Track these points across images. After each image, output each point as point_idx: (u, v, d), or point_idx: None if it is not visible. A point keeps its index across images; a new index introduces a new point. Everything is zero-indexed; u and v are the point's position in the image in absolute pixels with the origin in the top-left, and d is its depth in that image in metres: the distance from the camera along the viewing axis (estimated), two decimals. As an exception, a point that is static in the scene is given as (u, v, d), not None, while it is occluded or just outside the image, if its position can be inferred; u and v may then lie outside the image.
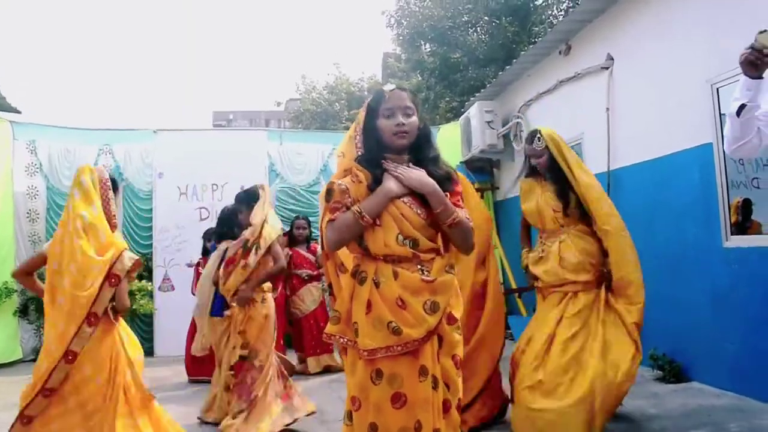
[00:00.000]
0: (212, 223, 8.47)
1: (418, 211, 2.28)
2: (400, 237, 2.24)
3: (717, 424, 4.02)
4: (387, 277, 2.22)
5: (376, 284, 2.23)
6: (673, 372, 5.16)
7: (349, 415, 2.28)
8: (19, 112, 7.98)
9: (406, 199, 2.27)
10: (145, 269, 8.41)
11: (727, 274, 4.73)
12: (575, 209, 4.01)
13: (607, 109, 6.14)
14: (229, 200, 8.48)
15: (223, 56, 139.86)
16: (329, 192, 2.30)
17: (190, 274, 8.29)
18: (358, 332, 2.22)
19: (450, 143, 9.35)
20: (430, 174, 2.30)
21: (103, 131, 9.08)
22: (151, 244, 8.42)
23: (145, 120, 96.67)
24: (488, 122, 8.37)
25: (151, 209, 8.53)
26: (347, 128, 2.79)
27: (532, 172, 4.28)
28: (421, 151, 2.38)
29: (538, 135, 4.18)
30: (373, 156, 2.33)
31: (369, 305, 2.22)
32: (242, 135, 10.73)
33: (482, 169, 9.24)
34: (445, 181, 2.34)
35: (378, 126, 2.32)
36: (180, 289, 8.26)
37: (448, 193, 2.31)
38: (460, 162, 9.12)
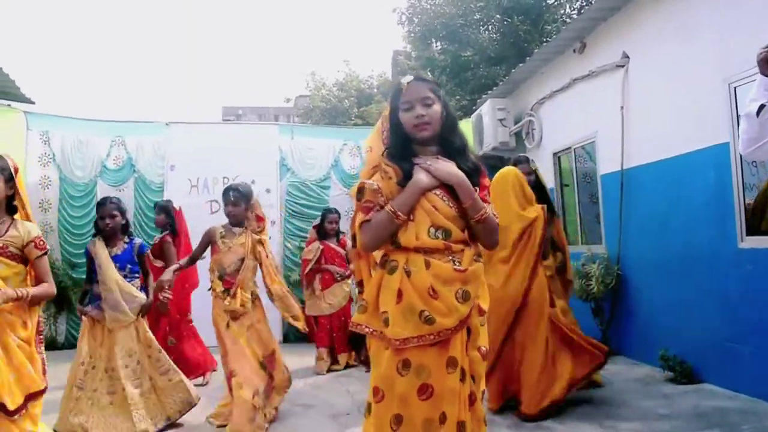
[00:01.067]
0: (223, 216, 8.48)
1: (450, 203, 2.26)
2: (432, 230, 2.22)
3: (729, 425, 4.00)
4: (419, 266, 2.20)
5: (407, 273, 2.20)
6: (684, 373, 5.13)
7: (369, 408, 2.25)
8: (33, 103, 8.01)
9: (437, 191, 2.26)
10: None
11: (740, 274, 4.69)
12: None
13: (622, 107, 6.10)
14: (241, 194, 8.55)
15: (233, 52, 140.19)
16: (360, 191, 2.28)
17: (199, 266, 8.31)
18: (389, 321, 2.19)
19: (461, 140, 9.33)
20: (458, 166, 2.28)
21: (116, 123, 9.10)
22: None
23: (155, 113, 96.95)
24: (500, 120, 8.35)
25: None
26: (357, 125, 2.81)
27: None
28: (448, 142, 2.35)
29: None
30: (400, 150, 2.32)
31: (400, 294, 2.19)
32: (254, 129, 10.73)
33: (494, 166, 9.15)
34: (473, 173, 2.32)
35: (400, 120, 2.31)
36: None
37: (476, 188, 2.29)
38: (471, 159, 9.10)
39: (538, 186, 4.98)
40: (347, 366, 6.56)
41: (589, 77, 6.71)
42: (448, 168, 2.26)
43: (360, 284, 2.43)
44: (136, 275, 4.46)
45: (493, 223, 2.30)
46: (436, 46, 14.79)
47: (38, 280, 3.06)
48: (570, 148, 7.28)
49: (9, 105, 7.79)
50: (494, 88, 9.01)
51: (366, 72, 24.35)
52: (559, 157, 7.72)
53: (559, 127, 7.57)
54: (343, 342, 6.53)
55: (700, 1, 5.08)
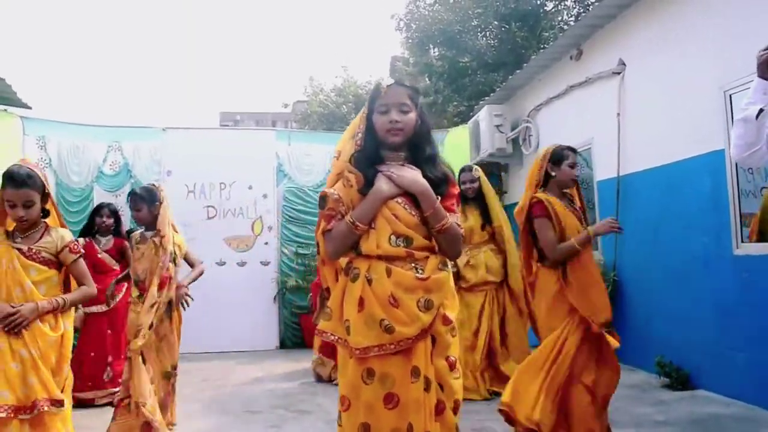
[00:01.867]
0: (220, 222, 8.55)
1: (412, 211, 2.24)
2: (393, 238, 2.20)
3: (725, 432, 4.01)
4: (380, 274, 2.18)
5: (369, 281, 2.18)
6: (680, 380, 5.14)
7: (340, 417, 2.24)
8: (29, 108, 7.99)
9: (399, 199, 2.23)
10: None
11: (736, 281, 4.71)
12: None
13: (618, 114, 6.12)
14: (237, 199, 8.60)
15: (231, 57, 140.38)
16: (323, 199, 2.27)
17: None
18: (350, 330, 2.17)
19: (458, 147, 9.36)
20: (425, 175, 2.26)
21: (113, 128, 9.08)
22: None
23: (153, 119, 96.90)
24: (497, 126, 8.36)
25: (158, 207, 8.52)
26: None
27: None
28: (418, 150, 2.33)
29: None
30: (369, 154, 2.29)
31: (361, 302, 2.18)
32: (251, 135, 10.74)
33: (490, 173, 9.20)
34: (441, 183, 2.30)
35: (374, 122, 2.28)
36: (186, 287, 8.26)
37: (440, 197, 2.27)
38: (468, 165, 9.11)
39: (479, 194, 5.50)
40: None
41: (585, 84, 6.74)
42: (411, 176, 2.24)
43: (327, 291, 2.40)
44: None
45: (456, 232, 2.27)
46: (434, 52, 14.82)
47: (78, 283, 3.09)
48: (566, 154, 7.27)
49: (5, 110, 7.78)
50: (491, 94, 9.03)
51: (364, 78, 24.36)
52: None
53: (555, 134, 7.56)
54: None
55: (696, 9, 5.11)
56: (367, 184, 2.23)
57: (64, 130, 8.66)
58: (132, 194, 4.37)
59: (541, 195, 3.53)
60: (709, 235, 4.97)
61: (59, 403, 2.79)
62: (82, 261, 3.09)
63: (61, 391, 2.87)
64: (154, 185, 4.45)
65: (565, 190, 3.67)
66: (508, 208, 9.12)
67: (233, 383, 6.30)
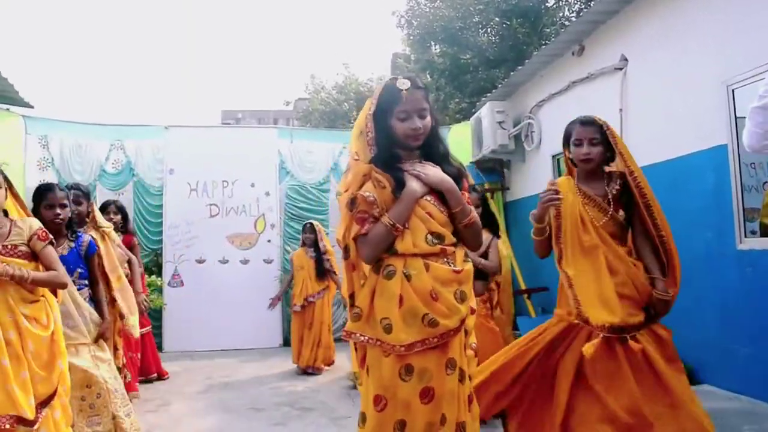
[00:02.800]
0: (222, 220, 8.56)
1: (442, 209, 2.28)
2: (429, 237, 2.24)
3: (729, 427, 3.99)
4: (418, 270, 2.20)
5: (407, 277, 2.20)
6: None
7: (363, 417, 2.23)
8: (31, 107, 7.99)
9: (429, 197, 2.27)
10: (154, 265, 8.46)
11: (740, 276, 4.70)
12: None
13: (621, 110, 6.10)
14: (240, 197, 8.61)
15: (233, 55, 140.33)
16: (353, 202, 2.27)
17: (199, 270, 8.36)
18: (391, 328, 2.17)
19: (460, 143, 9.33)
20: (444, 171, 2.32)
21: (115, 127, 9.10)
22: (161, 240, 8.45)
23: (154, 117, 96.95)
24: (499, 122, 8.34)
25: (161, 205, 8.55)
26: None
27: None
28: (431, 148, 2.37)
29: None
30: (387, 156, 2.31)
31: (401, 299, 2.19)
32: (253, 133, 10.75)
33: (493, 169, 9.22)
34: (457, 178, 2.34)
35: (392, 126, 2.29)
36: (189, 284, 8.30)
37: (462, 192, 2.33)
38: (471, 162, 9.10)
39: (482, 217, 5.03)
40: None
41: (587, 80, 6.71)
42: (438, 174, 2.29)
43: (351, 297, 2.38)
44: (86, 282, 3.71)
45: (479, 225, 2.35)
46: (435, 49, 14.80)
47: (48, 270, 2.95)
48: (569, 150, 7.27)
49: (8, 109, 7.78)
50: (493, 90, 9.01)
51: (365, 75, 24.34)
52: (558, 160, 7.72)
53: (557, 130, 7.48)
54: None
55: (699, 4, 5.09)
56: (398, 185, 2.24)
57: (67, 129, 8.67)
58: (73, 188, 4.18)
59: (553, 180, 3.15)
60: (713, 231, 4.97)
61: (27, 424, 2.67)
62: (51, 248, 2.95)
63: (53, 394, 2.83)
64: (77, 185, 4.38)
65: (615, 171, 3.15)
66: (511, 205, 9.15)
67: (237, 381, 6.32)
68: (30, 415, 2.66)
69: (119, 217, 5.61)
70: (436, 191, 2.29)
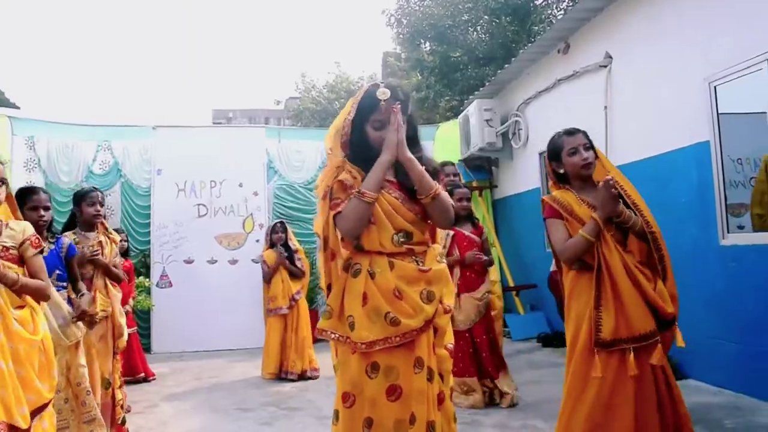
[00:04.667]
0: (210, 220, 8.54)
1: (409, 207, 2.28)
2: (395, 237, 2.24)
3: (713, 420, 4.04)
4: (383, 267, 2.22)
5: (371, 275, 2.22)
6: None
7: (336, 415, 2.25)
8: (17, 108, 7.97)
9: (396, 194, 2.28)
10: (143, 266, 8.43)
11: (723, 272, 4.74)
12: None
13: (606, 107, 6.13)
14: (228, 197, 8.59)
15: (223, 54, 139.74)
16: (330, 190, 2.28)
17: (188, 270, 8.33)
18: (354, 325, 2.19)
19: (449, 141, 9.37)
20: None
21: (102, 127, 9.10)
22: (149, 241, 8.42)
23: (144, 118, 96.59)
24: (487, 120, 8.37)
25: (149, 206, 8.53)
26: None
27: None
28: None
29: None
30: (360, 159, 2.31)
31: (365, 297, 2.20)
32: (241, 132, 10.75)
33: (481, 167, 9.26)
34: (432, 177, 2.32)
35: (366, 132, 2.30)
36: (178, 285, 8.28)
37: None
38: (459, 160, 9.13)
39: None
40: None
41: (573, 77, 6.75)
42: (400, 140, 2.24)
43: (329, 288, 2.40)
44: (64, 284, 3.70)
45: (446, 200, 2.29)
46: (425, 47, 14.80)
47: (33, 278, 2.85)
48: (555, 147, 7.29)
49: (-7, 110, 7.76)
50: (481, 89, 9.04)
51: (356, 73, 24.29)
52: (545, 157, 7.75)
53: (544, 127, 7.58)
54: (492, 363, 4.86)
55: (682, 2, 5.12)
56: None
57: (53, 129, 8.65)
58: (97, 190, 4.30)
59: (550, 195, 3.09)
60: (697, 227, 5.00)
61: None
62: (40, 257, 2.90)
63: (47, 403, 2.75)
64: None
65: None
66: (499, 203, 9.18)
67: (225, 381, 6.31)
68: (23, 424, 2.58)
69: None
70: (404, 188, 2.29)
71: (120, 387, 4.25)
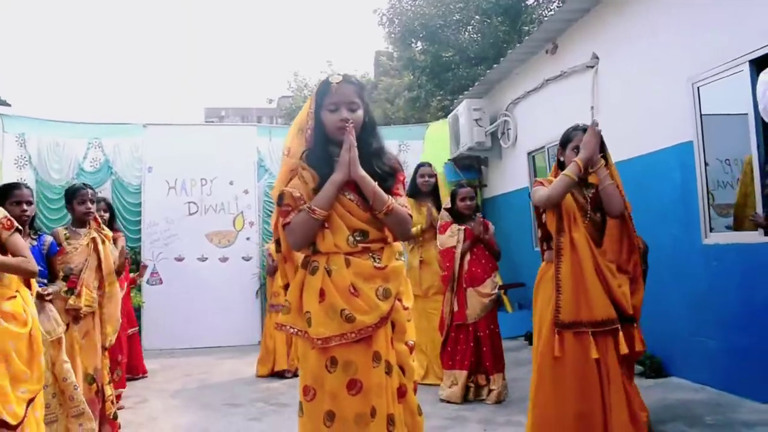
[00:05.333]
0: (201, 218, 8.58)
1: (364, 207, 2.31)
2: (351, 238, 2.27)
3: (693, 417, 4.10)
4: (339, 265, 2.25)
5: (328, 272, 2.25)
6: (653, 367, 5.24)
7: (301, 407, 2.30)
8: (8, 105, 7.99)
9: (351, 197, 2.30)
10: (133, 263, 8.44)
11: (706, 270, 4.81)
12: None
13: (592, 107, 6.20)
14: (218, 195, 8.63)
15: (215, 53, 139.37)
16: (281, 197, 2.31)
17: (178, 267, 8.36)
18: (311, 321, 2.23)
19: (439, 140, 9.43)
20: (373, 170, 2.32)
21: (93, 125, 9.09)
22: (139, 238, 8.44)
23: (136, 116, 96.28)
24: (476, 120, 8.44)
25: (140, 203, 8.55)
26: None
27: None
28: (365, 144, 2.37)
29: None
30: (320, 152, 2.34)
31: (322, 294, 2.24)
32: (231, 130, 10.77)
33: (470, 166, 9.32)
34: (389, 177, 2.37)
35: (322, 119, 2.33)
36: (168, 283, 8.30)
37: (388, 189, 2.33)
38: (449, 159, 9.19)
39: (434, 191, 5.70)
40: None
41: (561, 78, 6.81)
42: (352, 161, 2.26)
43: (286, 287, 2.45)
44: (45, 281, 3.73)
45: (401, 213, 2.31)
46: (417, 47, 14.84)
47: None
48: (544, 147, 7.37)
49: (-16, 108, 7.76)
50: (470, 88, 9.10)
51: (349, 72, 24.27)
52: (533, 156, 7.83)
53: (533, 127, 7.67)
54: (492, 359, 4.91)
55: (665, 4, 5.18)
56: (322, 181, 2.27)
57: (44, 127, 8.65)
58: (87, 187, 4.30)
59: (546, 178, 3.31)
60: (679, 226, 5.07)
61: (10, 428, 2.64)
62: (17, 235, 2.92)
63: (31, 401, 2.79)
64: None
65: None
66: (488, 202, 9.25)
67: (215, 378, 6.35)
68: (12, 420, 2.63)
69: (107, 215, 5.59)
70: (359, 190, 2.31)
71: (109, 383, 4.27)
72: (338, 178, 2.25)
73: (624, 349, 3.01)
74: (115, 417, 4.27)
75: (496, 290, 5.05)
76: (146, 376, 6.41)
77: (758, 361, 4.21)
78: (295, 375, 6.16)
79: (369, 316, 2.21)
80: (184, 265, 8.42)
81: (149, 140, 8.70)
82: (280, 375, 6.24)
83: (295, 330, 2.31)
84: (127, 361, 5.93)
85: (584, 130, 3.26)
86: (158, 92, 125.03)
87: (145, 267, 6.96)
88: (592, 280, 3.05)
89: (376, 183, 2.27)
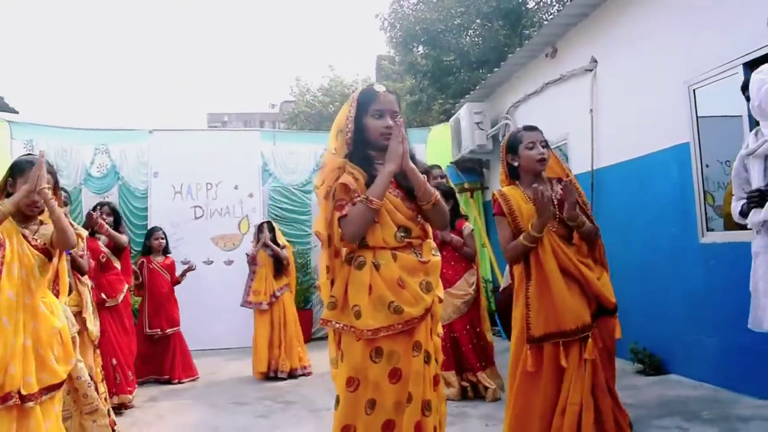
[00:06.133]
0: (206, 221, 8.68)
1: (408, 205, 2.45)
2: (397, 233, 2.41)
3: (690, 412, 4.17)
4: (387, 259, 2.38)
5: (376, 267, 2.37)
6: (652, 365, 5.32)
7: (338, 400, 2.40)
8: (16, 112, 8.09)
9: (396, 193, 2.44)
10: (137, 265, 8.54)
11: (703, 269, 4.90)
12: None
13: (591, 110, 6.30)
14: (224, 199, 8.73)
15: (218, 58, 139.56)
16: (332, 192, 2.41)
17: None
18: (360, 314, 2.34)
19: (440, 144, 9.53)
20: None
21: (100, 131, 9.21)
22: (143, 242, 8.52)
23: (140, 122, 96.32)
24: (477, 123, 8.53)
25: (146, 208, 8.67)
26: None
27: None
28: None
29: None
30: (361, 155, 2.47)
31: (370, 288, 2.36)
32: (236, 135, 10.87)
33: (472, 169, 9.41)
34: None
35: (366, 124, 2.46)
36: (174, 285, 8.38)
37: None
38: (451, 162, 9.29)
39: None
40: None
41: (560, 81, 6.91)
42: (405, 152, 2.39)
43: (332, 282, 2.51)
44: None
45: (443, 205, 2.50)
46: (419, 51, 14.93)
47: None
48: (545, 150, 7.44)
49: (-7, 115, 7.88)
50: (471, 92, 9.20)
51: (351, 77, 24.35)
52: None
53: (533, 130, 7.75)
54: (475, 357, 4.99)
55: (662, 9, 5.29)
56: (370, 180, 2.39)
57: (52, 133, 8.76)
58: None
59: (500, 190, 3.22)
60: (677, 225, 5.16)
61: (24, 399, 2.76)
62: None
63: (60, 383, 2.92)
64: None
65: (552, 177, 3.24)
66: (490, 204, 9.32)
67: (222, 378, 6.46)
68: (25, 390, 2.75)
69: (111, 218, 5.66)
70: (402, 187, 2.45)
71: (102, 380, 4.36)
72: (391, 168, 2.36)
73: (590, 355, 2.99)
74: (109, 413, 4.34)
75: (471, 291, 5.05)
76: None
77: (755, 358, 4.28)
78: (293, 376, 6.30)
79: (415, 308, 2.34)
80: (190, 267, 8.51)
81: (155, 145, 8.82)
82: (269, 377, 6.29)
83: (341, 325, 2.40)
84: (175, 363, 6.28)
85: (527, 128, 3.24)
86: (162, 98, 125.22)
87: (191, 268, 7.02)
88: (562, 292, 3.01)
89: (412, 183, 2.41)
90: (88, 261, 4.45)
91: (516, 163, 3.21)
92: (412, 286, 2.36)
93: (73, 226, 4.41)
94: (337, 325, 2.42)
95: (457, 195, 5.50)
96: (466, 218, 5.36)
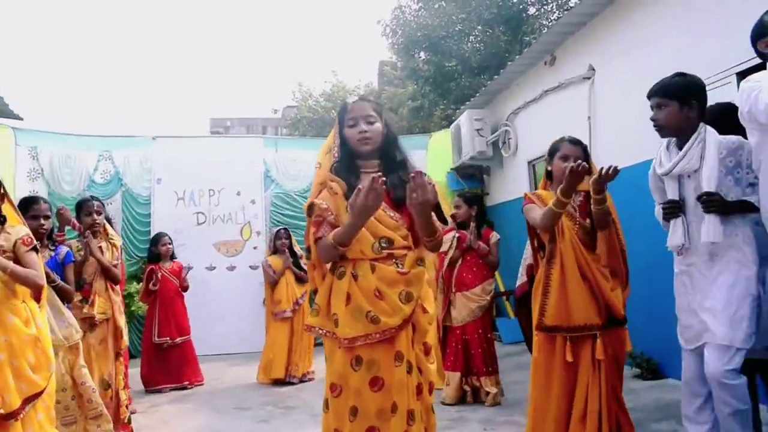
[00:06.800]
0: (209, 228, 8.76)
1: (391, 214, 2.49)
2: (376, 245, 2.44)
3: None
4: (365, 271, 2.43)
5: (355, 277, 2.43)
6: (650, 369, 5.38)
7: (326, 403, 2.47)
8: (21, 119, 8.17)
9: (382, 205, 2.43)
10: (142, 272, 8.61)
11: (699, 274, 4.93)
12: None
13: (589, 117, 6.36)
14: (226, 205, 8.82)
15: (221, 63, 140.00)
16: (311, 208, 2.50)
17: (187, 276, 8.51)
18: (338, 323, 2.41)
19: (441, 150, 9.60)
20: (400, 180, 2.48)
21: (103, 138, 9.29)
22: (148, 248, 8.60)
23: (143, 127, 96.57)
24: (478, 130, 8.61)
25: (149, 214, 8.75)
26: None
27: None
28: (389, 156, 2.59)
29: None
30: (347, 164, 2.54)
31: (348, 297, 2.42)
32: (238, 142, 10.98)
33: (472, 175, 9.48)
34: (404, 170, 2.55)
35: (345, 135, 2.55)
36: (177, 291, 8.45)
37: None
38: (451, 168, 9.36)
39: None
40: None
41: (559, 89, 6.98)
42: (432, 195, 2.35)
43: (315, 292, 2.62)
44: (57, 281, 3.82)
45: (441, 239, 2.54)
46: (420, 57, 15.00)
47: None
48: (543, 156, 7.47)
49: (-3, 121, 7.96)
50: (471, 99, 9.27)
51: (353, 82, 24.41)
52: (533, 165, 7.99)
53: (532, 137, 7.83)
54: (483, 362, 5.05)
55: (657, 17, 5.36)
56: (350, 190, 2.42)
57: (56, 140, 8.85)
58: (94, 199, 4.58)
59: (534, 191, 3.52)
60: (674, 232, 5.20)
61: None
62: (34, 254, 2.99)
63: (39, 392, 2.84)
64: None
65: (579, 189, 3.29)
66: (490, 210, 9.39)
67: (224, 383, 6.53)
68: (4, 410, 2.66)
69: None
70: (390, 197, 2.47)
71: (124, 388, 4.44)
72: (354, 222, 2.34)
73: (600, 355, 3.14)
74: (129, 421, 4.44)
75: (487, 298, 5.16)
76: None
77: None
78: (302, 381, 6.33)
79: (393, 318, 2.38)
80: (193, 274, 8.53)
81: (158, 152, 8.92)
82: (279, 382, 6.34)
83: (324, 331, 2.49)
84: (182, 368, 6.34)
85: (571, 140, 3.45)
86: (166, 103, 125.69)
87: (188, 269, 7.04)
88: (576, 289, 3.19)
89: (404, 191, 2.36)
90: (121, 271, 4.53)
91: (550, 168, 3.48)
92: (391, 297, 2.39)
93: (108, 234, 4.52)
94: (321, 332, 2.50)
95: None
96: (493, 226, 5.42)
